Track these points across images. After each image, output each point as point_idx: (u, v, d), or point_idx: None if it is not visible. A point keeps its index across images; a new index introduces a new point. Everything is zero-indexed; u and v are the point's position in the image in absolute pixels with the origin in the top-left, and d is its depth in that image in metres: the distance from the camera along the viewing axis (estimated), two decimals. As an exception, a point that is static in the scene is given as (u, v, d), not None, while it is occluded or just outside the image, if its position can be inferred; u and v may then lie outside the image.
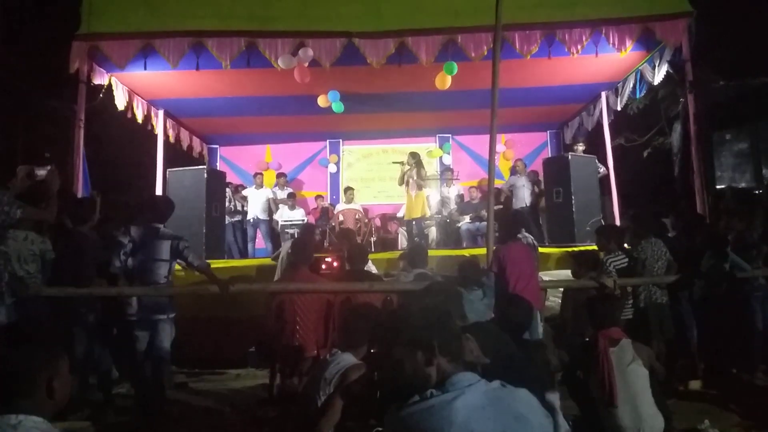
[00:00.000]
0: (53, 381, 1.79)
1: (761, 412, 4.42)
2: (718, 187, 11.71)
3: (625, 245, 5.90)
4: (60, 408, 1.85)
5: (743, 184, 11.62)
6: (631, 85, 8.86)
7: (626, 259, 5.45)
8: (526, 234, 6.64)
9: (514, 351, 2.99)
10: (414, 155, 9.29)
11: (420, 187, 9.10)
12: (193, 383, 6.06)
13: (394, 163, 10.06)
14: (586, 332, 4.83)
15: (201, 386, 5.98)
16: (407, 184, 9.18)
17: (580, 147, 9.84)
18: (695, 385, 5.26)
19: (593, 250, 5.85)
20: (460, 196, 10.69)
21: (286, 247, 6.76)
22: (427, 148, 12.24)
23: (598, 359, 3.41)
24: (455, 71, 7.66)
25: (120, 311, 4.77)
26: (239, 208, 10.63)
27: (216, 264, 6.59)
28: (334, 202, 11.70)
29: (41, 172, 6.43)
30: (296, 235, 8.58)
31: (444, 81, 7.85)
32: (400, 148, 11.80)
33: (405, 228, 9.79)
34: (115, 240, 4.73)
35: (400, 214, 10.58)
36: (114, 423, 4.73)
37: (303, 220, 10.08)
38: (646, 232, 5.68)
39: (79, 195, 6.95)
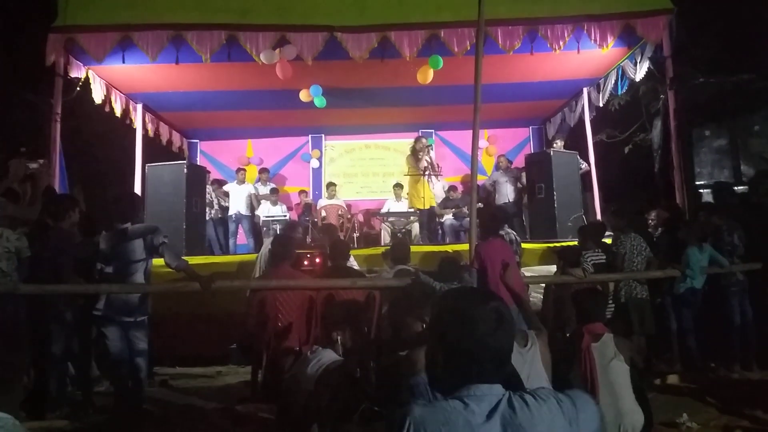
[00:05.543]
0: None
1: (738, 406, 4.48)
2: (698, 183, 11.85)
3: (604, 240, 5.97)
4: None
5: (722, 180, 11.76)
6: (613, 82, 8.92)
7: (603, 256, 5.53)
8: (509, 230, 6.68)
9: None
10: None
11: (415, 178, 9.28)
12: (174, 381, 6.00)
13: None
14: (567, 327, 4.87)
15: (182, 384, 5.93)
16: None
17: (559, 143, 9.89)
18: (673, 379, 5.33)
19: (576, 245, 5.90)
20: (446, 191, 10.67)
21: (267, 243, 6.70)
22: (409, 143, 12.22)
23: (581, 354, 3.41)
24: (441, 65, 7.64)
25: (88, 307, 4.65)
26: (221, 203, 10.53)
27: (196, 260, 6.52)
28: (317, 197, 11.63)
29: (33, 166, 6.34)
30: (278, 231, 8.52)
31: (426, 75, 7.83)
32: (382, 143, 11.77)
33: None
34: (96, 246, 4.60)
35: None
36: (93, 422, 4.67)
37: (285, 216, 10.00)
38: (626, 227, 5.75)
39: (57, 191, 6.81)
